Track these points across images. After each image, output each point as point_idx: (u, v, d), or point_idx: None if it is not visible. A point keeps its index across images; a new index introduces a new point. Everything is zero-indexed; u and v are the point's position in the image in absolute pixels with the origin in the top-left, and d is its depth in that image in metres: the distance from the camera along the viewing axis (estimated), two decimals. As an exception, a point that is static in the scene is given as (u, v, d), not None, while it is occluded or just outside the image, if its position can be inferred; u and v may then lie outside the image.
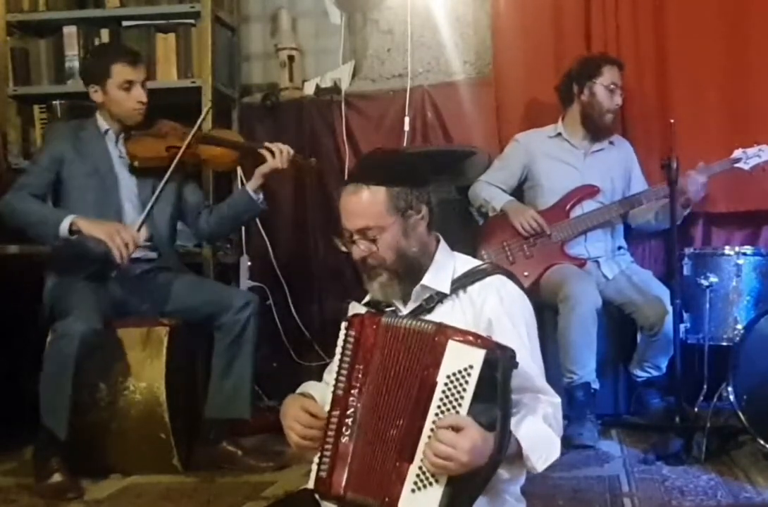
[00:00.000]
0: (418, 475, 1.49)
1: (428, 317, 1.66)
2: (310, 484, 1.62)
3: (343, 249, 1.77)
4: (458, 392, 1.48)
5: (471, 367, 1.47)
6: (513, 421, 1.55)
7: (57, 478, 2.72)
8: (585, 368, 3.10)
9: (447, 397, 1.49)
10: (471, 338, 1.50)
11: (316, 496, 1.63)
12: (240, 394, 2.96)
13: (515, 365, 1.52)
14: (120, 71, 3.00)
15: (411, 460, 1.50)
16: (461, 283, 1.70)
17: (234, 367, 2.95)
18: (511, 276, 1.74)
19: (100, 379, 2.91)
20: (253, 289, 3.85)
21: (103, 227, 2.80)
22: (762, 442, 2.70)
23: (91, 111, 3.15)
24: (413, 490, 1.49)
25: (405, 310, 1.72)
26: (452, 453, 1.44)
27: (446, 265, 1.73)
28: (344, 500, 1.57)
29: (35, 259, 3.14)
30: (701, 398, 3.00)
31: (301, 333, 4.04)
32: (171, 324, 3.00)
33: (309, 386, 1.79)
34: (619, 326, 3.36)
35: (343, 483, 1.56)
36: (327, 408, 1.61)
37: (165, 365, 2.93)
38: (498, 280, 1.70)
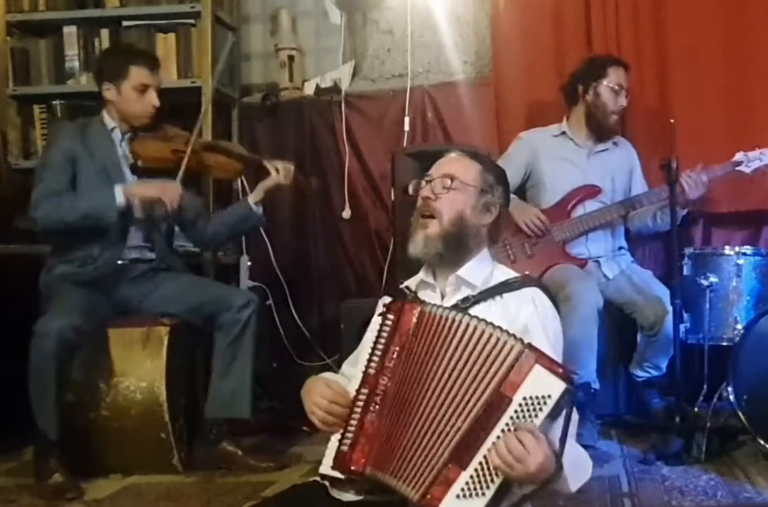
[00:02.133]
0: (468, 483, 1.49)
1: None
2: (325, 469, 1.62)
3: (410, 191, 1.82)
4: (530, 416, 1.48)
5: (549, 396, 1.48)
6: None
7: (57, 478, 2.72)
8: (585, 368, 3.10)
9: (519, 417, 1.48)
10: (556, 368, 1.51)
11: (326, 483, 1.64)
12: (240, 393, 2.95)
13: (576, 400, 1.54)
14: (138, 74, 3.02)
15: (465, 466, 1.49)
16: (499, 290, 1.74)
17: (234, 367, 2.94)
18: (545, 289, 1.79)
19: (100, 379, 2.92)
20: (253, 289, 3.85)
21: (153, 186, 2.95)
22: (762, 442, 2.70)
23: (93, 110, 3.15)
24: (458, 496, 1.49)
25: (444, 301, 1.74)
26: (525, 457, 1.43)
27: (485, 266, 1.78)
28: (362, 476, 1.58)
29: (35, 258, 3.14)
30: (701, 398, 2.99)
31: (301, 333, 4.05)
32: (171, 324, 3.00)
33: (327, 375, 1.81)
34: (619, 326, 3.36)
35: (365, 459, 1.58)
36: (354, 388, 1.63)
37: (165, 365, 2.94)
38: (534, 291, 1.76)
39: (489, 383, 1.51)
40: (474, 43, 4.07)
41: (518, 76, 3.85)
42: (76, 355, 2.80)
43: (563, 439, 1.50)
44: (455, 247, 1.74)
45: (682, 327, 2.98)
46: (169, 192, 2.91)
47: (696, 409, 2.97)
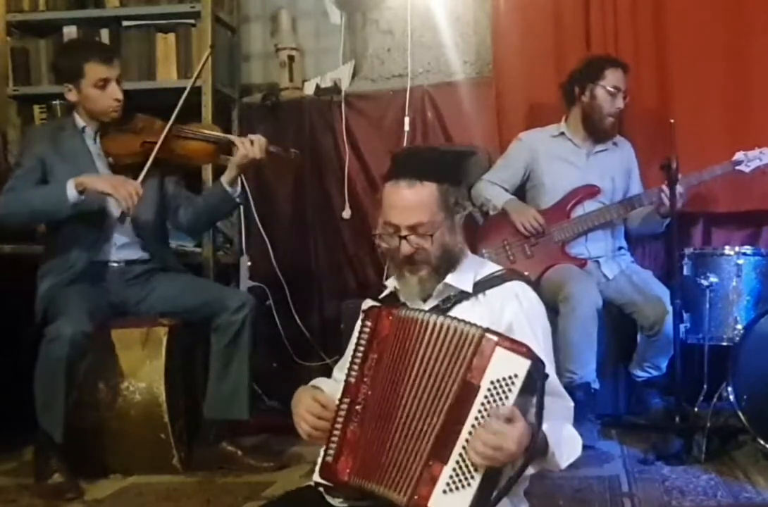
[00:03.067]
0: (452, 477, 1.49)
1: None
2: (317, 477, 1.62)
3: (383, 245, 1.73)
4: (500, 399, 1.48)
5: (516, 376, 1.48)
6: None
7: (57, 478, 2.73)
8: (585, 368, 3.10)
9: (489, 402, 1.49)
10: (518, 347, 1.51)
11: (321, 489, 1.64)
12: (238, 395, 2.95)
13: (547, 376, 1.55)
14: (94, 70, 2.94)
15: (446, 461, 1.49)
16: (482, 286, 1.72)
17: (231, 369, 2.94)
18: (529, 282, 1.77)
19: (99, 380, 2.92)
20: (253, 289, 3.85)
21: (107, 180, 2.87)
22: (762, 442, 2.70)
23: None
24: (445, 491, 1.49)
25: (426, 304, 1.73)
26: (503, 443, 1.44)
27: (470, 267, 1.76)
28: (348, 486, 1.58)
29: (32, 259, 3.14)
30: (701, 398, 3.00)
31: (301, 333, 4.04)
32: (170, 324, 3.00)
33: (319, 382, 1.81)
34: (619, 326, 3.36)
35: (349, 469, 1.57)
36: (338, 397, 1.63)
37: (164, 365, 2.94)
38: (518, 286, 1.73)
39: (456, 375, 1.51)
40: (474, 43, 4.06)
41: (518, 76, 3.85)
42: (85, 359, 2.80)
43: (539, 414, 1.51)
44: (447, 269, 1.72)
45: (682, 327, 2.99)
46: (123, 189, 2.80)
47: (696, 409, 2.98)
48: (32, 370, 2.74)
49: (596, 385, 3.16)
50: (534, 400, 1.51)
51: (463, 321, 1.55)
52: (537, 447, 1.51)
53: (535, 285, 1.80)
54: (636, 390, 3.40)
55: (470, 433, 1.48)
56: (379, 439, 1.56)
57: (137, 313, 3.04)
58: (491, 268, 1.78)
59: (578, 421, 2.97)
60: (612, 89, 3.37)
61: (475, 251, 3.28)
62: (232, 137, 3.07)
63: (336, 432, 1.60)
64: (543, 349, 1.66)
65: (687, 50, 3.63)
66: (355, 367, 1.61)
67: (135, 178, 2.94)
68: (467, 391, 1.50)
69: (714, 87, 3.62)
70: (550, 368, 1.65)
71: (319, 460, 1.62)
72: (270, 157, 3.06)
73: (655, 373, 3.31)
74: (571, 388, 3.07)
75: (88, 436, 2.87)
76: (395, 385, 1.57)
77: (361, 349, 1.62)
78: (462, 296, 1.71)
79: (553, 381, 1.66)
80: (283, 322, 4.03)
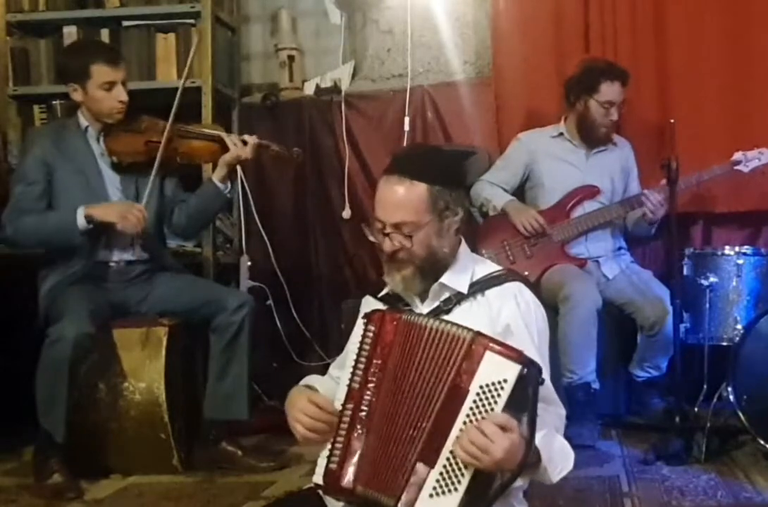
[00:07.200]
0: (438, 481, 1.48)
1: (446, 318, 1.65)
2: (317, 478, 1.61)
3: (371, 239, 1.73)
4: (489, 404, 1.47)
5: (505, 380, 1.46)
6: None
7: (57, 478, 2.73)
8: (585, 368, 3.11)
9: (477, 407, 1.48)
10: (508, 351, 1.49)
11: (320, 491, 1.63)
12: (237, 395, 2.96)
13: (542, 382, 1.53)
14: (100, 72, 2.95)
15: (433, 465, 1.49)
16: (480, 286, 1.71)
17: (230, 369, 2.94)
18: (527, 283, 1.75)
19: (99, 380, 2.92)
20: (253, 289, 3.85)
21: (114, 210, 2.90)
22: (762, 442, 2.70)
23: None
24: (431, 495, 1.48)
25: (423, 308, 1.72)
26: (490, 446, 1.42)
27: (467, 267, 1.74)
28: (353, 494, 1.57)
29: (31, 259, 3.13)
30: (701, 398, 3.00)
31: (301, 333, 4.04)
32: (170, 324, 3.00)
33: (312, 380, 1.79)
34: (619, 326, 3.36)
35: (354, 477, 1.56)
36: (336, 401, 1.61)
37: (164, 365, 2.94)
38: (516, 287, 1.71)
39: (447, 379, 1.51)
40: (474, 43, 4.06)
41: (518, 76, 3.85)
42: (87, 360, 2.81)
43: (532, 422, 1.49)
44: (434, 272, 1.70)
45: (682, 327, 2.99)
46: (129, 218, 2.86)
47: (696, 409, 2.98)
48: (33, 370, 2.74)
49: (596, 385, 3.16)
50: (526, 406, 1.49)
51: (458, 325, 1.54)
52: (528, 461, 1.49)
53: (534, 285, 1.78)
54: (636, 390, 3.39)
55: (458, 437, 1.47)
56: (384, 448, 1.55)
57: (137, 314, 3.04)
58: (489, 267, 1.76)
59: (578, 421, 3.02)
60: (605, 104, 3.33)
61: (475, 251, 3.29)
62: (224, 136, 3.07)
63: (340, 438, 1.58)
64: (538, 353, 1.64)
65: (687, 50, 3.64)
66: (359, 372, 1.59)
67: (141, 176, 2.99)
68: (456, 396, 1.49)
69: (714, 87, 3.62)
70: (544, 373, 1.63)
71: (322, 466, 1.60)
72: (272, 156, 3.12)
73: (655, 373, 3.31)
74: (571, 388, 3.08)
75: (89, 436, 2.87)
76: (398, 392, 1.56)
77: (365, 354, 1.60)
78: (461, 297, 1.70)
79: (548, 387, 1.64)
80: (283, 322, 4.02)
